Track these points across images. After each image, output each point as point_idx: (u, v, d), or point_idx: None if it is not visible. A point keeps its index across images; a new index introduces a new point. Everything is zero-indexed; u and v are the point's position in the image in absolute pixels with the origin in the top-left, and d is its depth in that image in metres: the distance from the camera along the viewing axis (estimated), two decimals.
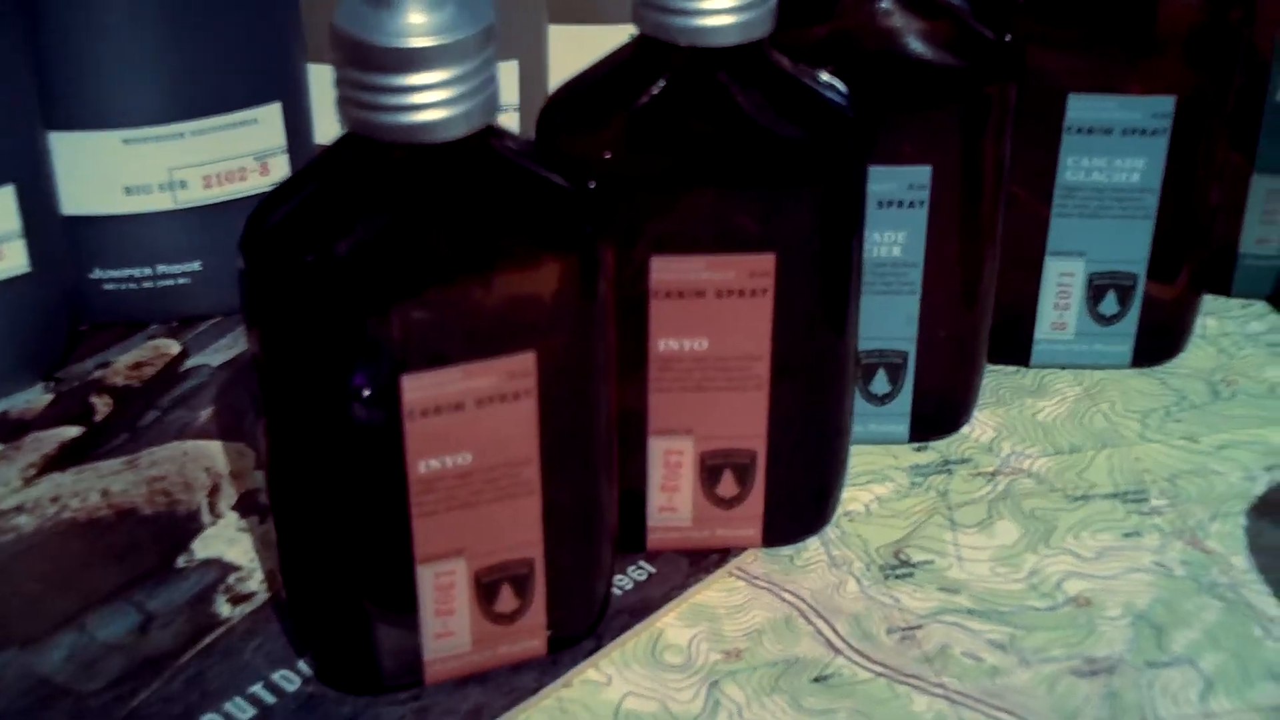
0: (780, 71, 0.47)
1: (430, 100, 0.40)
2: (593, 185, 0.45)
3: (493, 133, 0.43)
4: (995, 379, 0.61)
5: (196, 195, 0.62)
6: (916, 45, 0.52)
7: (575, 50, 0.61)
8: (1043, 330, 0.61)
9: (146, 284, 0.64)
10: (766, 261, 0.47)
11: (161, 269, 0.64)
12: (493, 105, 0.42)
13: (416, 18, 0.40)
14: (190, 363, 0.62)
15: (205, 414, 0.59)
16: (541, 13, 0.65)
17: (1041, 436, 0.58)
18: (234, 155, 0.63)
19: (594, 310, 0.45)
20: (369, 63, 0.40)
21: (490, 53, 0.41)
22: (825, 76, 0.49)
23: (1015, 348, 0.62)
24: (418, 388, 0.43)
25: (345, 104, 0.41)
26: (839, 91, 0.49)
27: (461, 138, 0.41)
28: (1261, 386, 0.61)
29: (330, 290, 0.42)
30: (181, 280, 0.64)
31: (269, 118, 0.63)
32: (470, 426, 0.44)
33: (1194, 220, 0.59)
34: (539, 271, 0.44)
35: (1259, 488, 0.56)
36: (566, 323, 0.44)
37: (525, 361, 0.44)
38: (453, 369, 0.43)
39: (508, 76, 0.64)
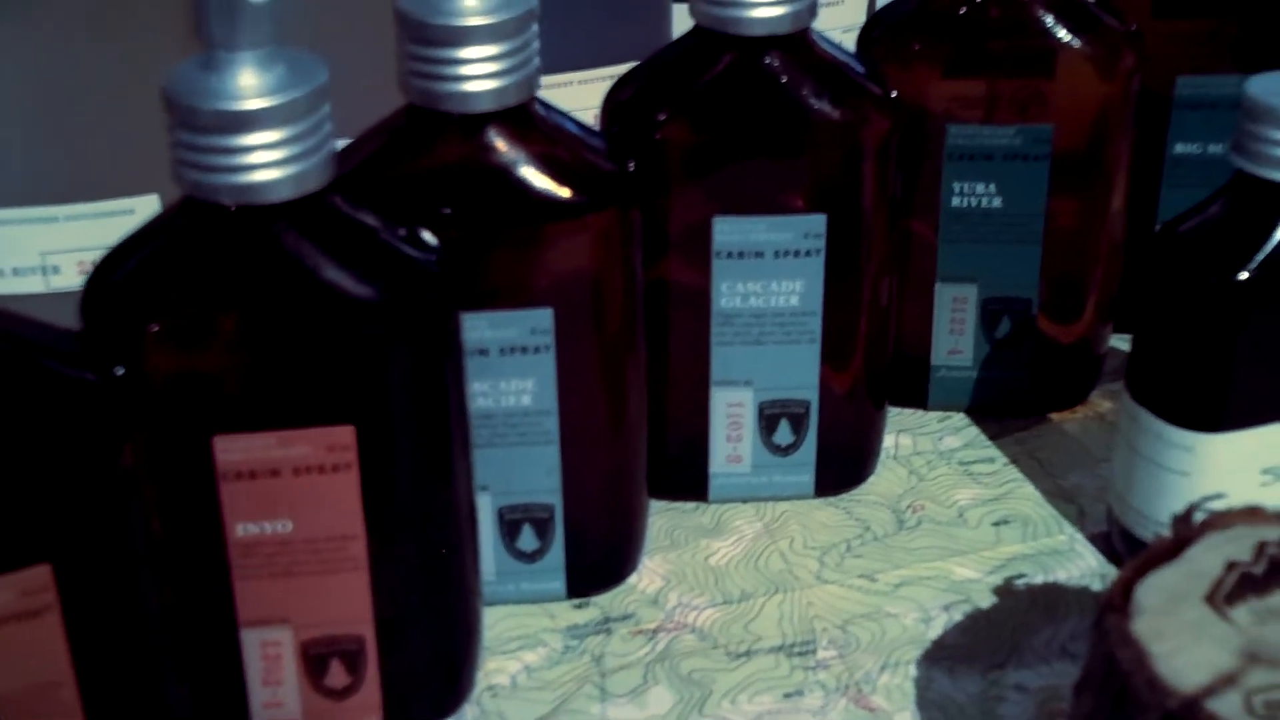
0: (351, 224, 0.43)
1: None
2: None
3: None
4: (672, 518, 0.57)
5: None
6: (528, 174, 0.48)
7: None
8: (718, 464, 0.57)
9: None
10: (344, 434, 0.43)
11: None
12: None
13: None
14: None
15: None
16: None
17: (712, 584, 0.54)
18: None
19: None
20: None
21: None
22: (409, 229, 0.45)
23: (692, 483, 0.58)
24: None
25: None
26: (424, 244, 0.44)
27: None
28: (950, 512, 0.57)
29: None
30: None
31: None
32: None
33: (861, 338, 0.56)
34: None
35: (934, 630, 0.52)
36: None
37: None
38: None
39: None
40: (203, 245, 0.42)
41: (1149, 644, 0.39)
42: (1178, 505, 0.51)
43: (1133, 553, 0.50)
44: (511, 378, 0.49)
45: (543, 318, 0.49)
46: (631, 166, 0.50)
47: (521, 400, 0.50)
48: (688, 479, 0.57)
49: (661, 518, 0.57)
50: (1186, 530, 0.43)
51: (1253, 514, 0.43)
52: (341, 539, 0.44)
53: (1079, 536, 0.56)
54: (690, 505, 0.58)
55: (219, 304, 0.42)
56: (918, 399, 0.63)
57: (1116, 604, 0.40)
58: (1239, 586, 0.41)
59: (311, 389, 0.43)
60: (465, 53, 0.46)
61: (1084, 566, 0.55)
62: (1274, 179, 0.48)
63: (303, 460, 0.43)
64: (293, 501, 0.44)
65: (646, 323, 0.54)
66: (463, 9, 0.46)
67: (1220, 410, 0.50)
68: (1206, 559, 0.42)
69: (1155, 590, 0.41)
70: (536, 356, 0.49)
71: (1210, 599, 0.40)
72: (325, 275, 0.42)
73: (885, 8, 0.60)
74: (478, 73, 0.46)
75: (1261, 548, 0.42)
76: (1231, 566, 0.41)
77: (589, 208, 0.48)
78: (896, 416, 0.62)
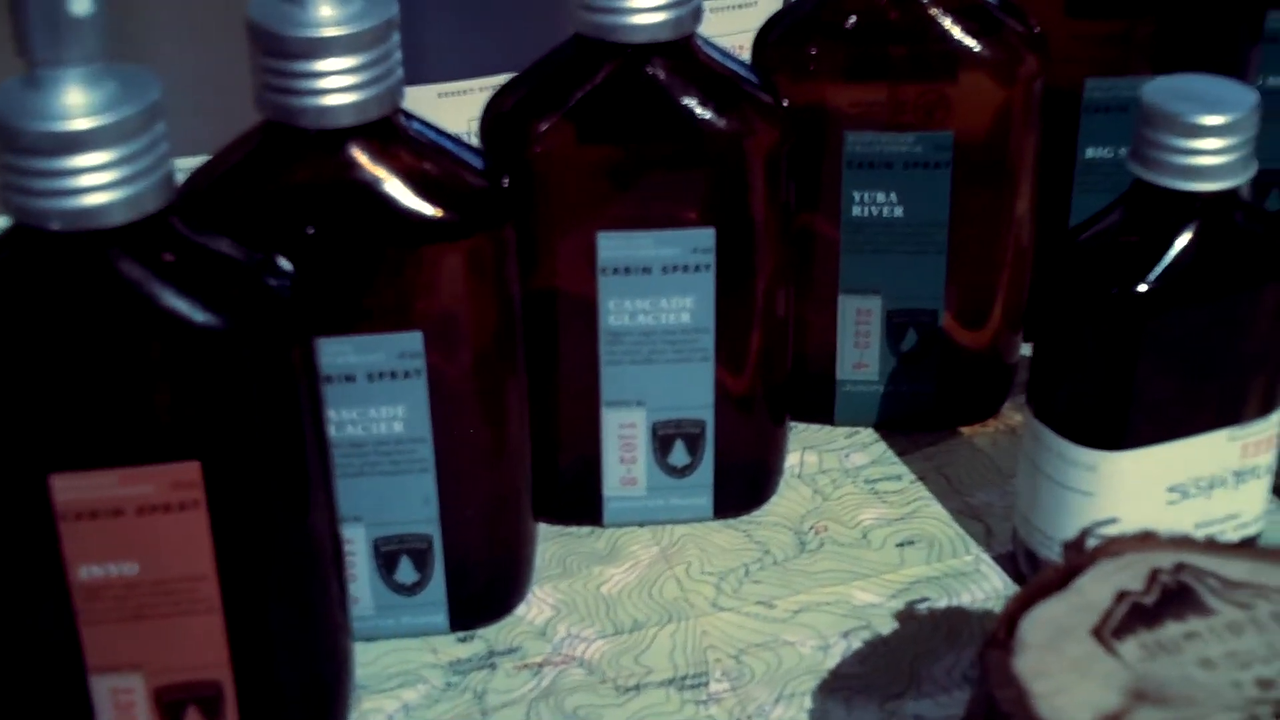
0: (195, 248, 0.41)
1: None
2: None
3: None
4: (565, 544, 0.55)
5: None
6: (394, 192, 0.46)
7: None
8: (612, 487, 0.55)
9: None
10: (190, 470, 0.41)
11: None
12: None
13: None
14: None
15: None
16: None
17: (603, 613, 0.52)
18: None
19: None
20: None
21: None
22: (262, 253, 0.42)
23: (586, 507, 0.56)
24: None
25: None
26: (277, 269, 0.42)
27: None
28: (853, 533, 0.55)
29: None
30: None
31: None
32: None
33: (757, 353, 0.54)
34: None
35: (832, 659, 0.50)
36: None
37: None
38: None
39: None
40: (33, 273, 0.40)
41: (1031, 682, 0.37)
42: (1081, 525, 0.49)
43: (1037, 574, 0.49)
44: (381, 404, 0.47)
45: (412, 341, 0.46)
46: (505, 182, 0.48)
47: (393, 427, 0.48)
48: (581, 503, 0.55)
49: (554, 544, 0.55)
50: (1077, 558, 0.41)
51: (1146, 539, 0.41)
52: (191, 580, 0.42)
53: (985, 557, 0.54)
54: (585, 530, 0.56)
55: (50, 334, 0.39)
56: (824, 414, 0.60)
57: (999, 639, 0.38)
58: (1129, 618, 0.39)
59: (153, 423, 0.40)
60: (322, 65, 0.44)
61: (989, 589, 0.53)
62: (1172, 187, 0.46)
63: (146, 499, 0.41)
64: (138, 542, 0.41)
65: (533, 341, 0.52)
66: (318, 19, 0.44)
67: (1122, 427, 0.48)
68: (1096, 589, 0.40)
69: (1040, 624, 0.39)
70: (407, 382, 0.47)
71: (1098, 633, 0.38)
72: (164, 303, 0.39)
73: (783, 10, 0.58)
74: (336, 86, 0.44)
75: (1154, 576, 0.40)
76: (1122, 597, 0.39)
77: (459, 227, 0.46)
78: (803, 433, 0.60)
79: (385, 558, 0.49)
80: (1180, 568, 0.40)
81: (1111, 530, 0.45)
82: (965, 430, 0.60)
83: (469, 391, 0.48)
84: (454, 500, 0.49)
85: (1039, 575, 0.41)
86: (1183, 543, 0.41)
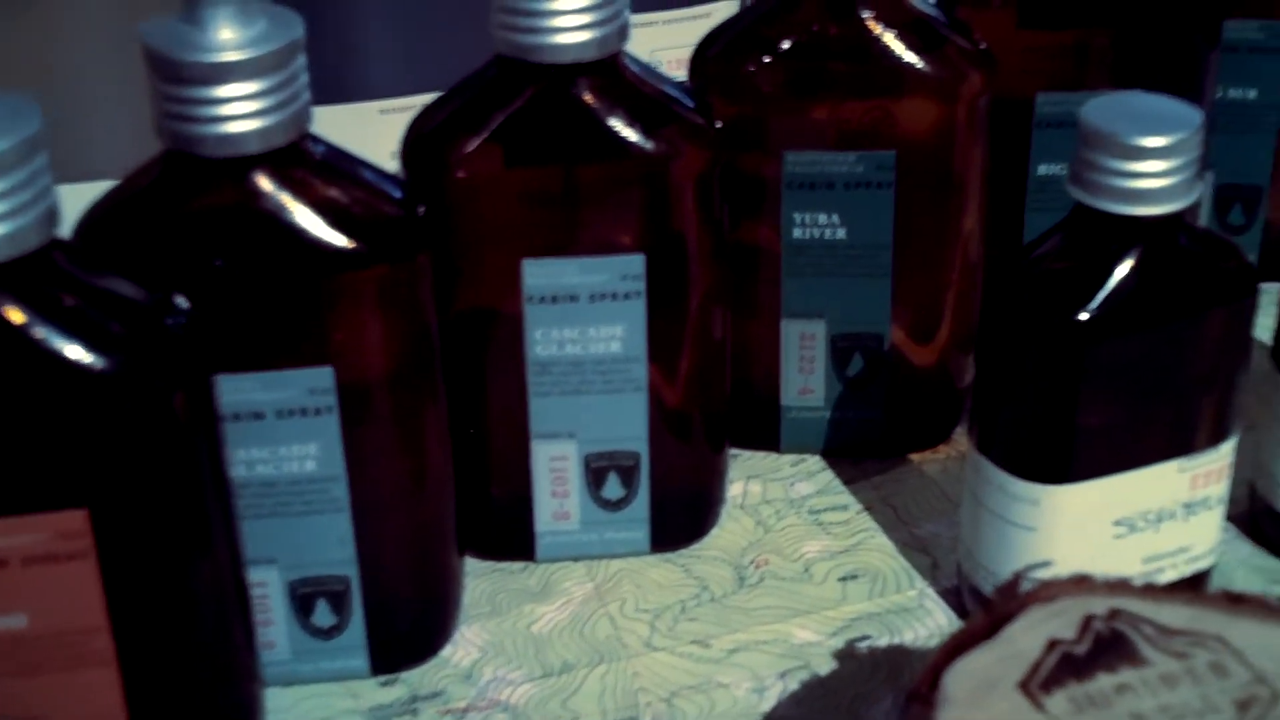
0: (80, 285, 0.39)
1: None
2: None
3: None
4: (496, 581, 0.53)
5: None
6: (302, 221, 0.44)
7: None
8: (544, 521, 0.53)
9: None
10: (77, 519, 0.39)
11: None
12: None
13: None
14: None
15: None
16: None
17: (532, 655, 0.50)
18: None
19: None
20: None
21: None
22: (159, 289, 0.41)
23: (518, 542, 0.54)
24: None
25: None
26: (172, 306, 0.40)
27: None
28: (795, 566, 0.54)
29: None
30: None
31: None
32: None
33: (692, 381, 0.52)
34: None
35: (767, 702, 0.48)
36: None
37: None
38: None
39: None
40: None
41: None
42: (1025, 562, 0.47)
43: None
44: (292, 442, 0.45)
45: (322, 377, 0.45)
46: (421, 210, 0.46)
47: (305, 466, 0.46)
48: (513, 538, 0.53)
49: (484, 580, 0.53)
50: (1008, 604, 0.39)
51: (1081, 583, 0.40)
52: (83, 632, 0.40)
53: (930, 592, 0.52)
54: (517, 566, 0.54)
55: None
56: (770, 442, 0.59)
57: (921, 693, 0.36)
58: (1058, 670, 0.37)
59: (37, 470, 0.38)
60: (223, 91, 0.42)
61: (933, 626, 0.51)
62: (1114, 211, 0.45)
63: (32, 549, 0.39)
64: (24, 594, 0.39)
65: (460, 372, 0.50)
66: (217, 43, 0.42)
67: (1065, 460, 0.46)
68: (1026, 638, 0.38)
69: (966, 676, 0.37)
70: (318, 419, 0.45)
71: (1025, 686, 0.37)
72: (46, 344, 0.37)
73: (722, 25, 0.56)
74: (239, 112, 0.42)
75: (1087, 623, 0.38)
76: (1052, 646, 0.38)
77: (369, 256, 0.44)
78: (748, 461, 0.58)
79: (301, 600, 0.47)
80: (1115, 614, 0.38)
81: (1048, 573, 0.43)
82: (915, 457, 0.58)
83: (385, 427, 0.46)
84: (373, 539, 0.47)
85: (967, 623, 0.39)
86: (1119, 587, 0.39)
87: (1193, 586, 0.49)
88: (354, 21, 0.64)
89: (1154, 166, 0.44)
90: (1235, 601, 0.39)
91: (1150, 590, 0.39)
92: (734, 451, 0.58)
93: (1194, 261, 0.46)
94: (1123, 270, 0.45)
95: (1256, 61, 0.64)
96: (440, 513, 0.49)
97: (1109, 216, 0.45)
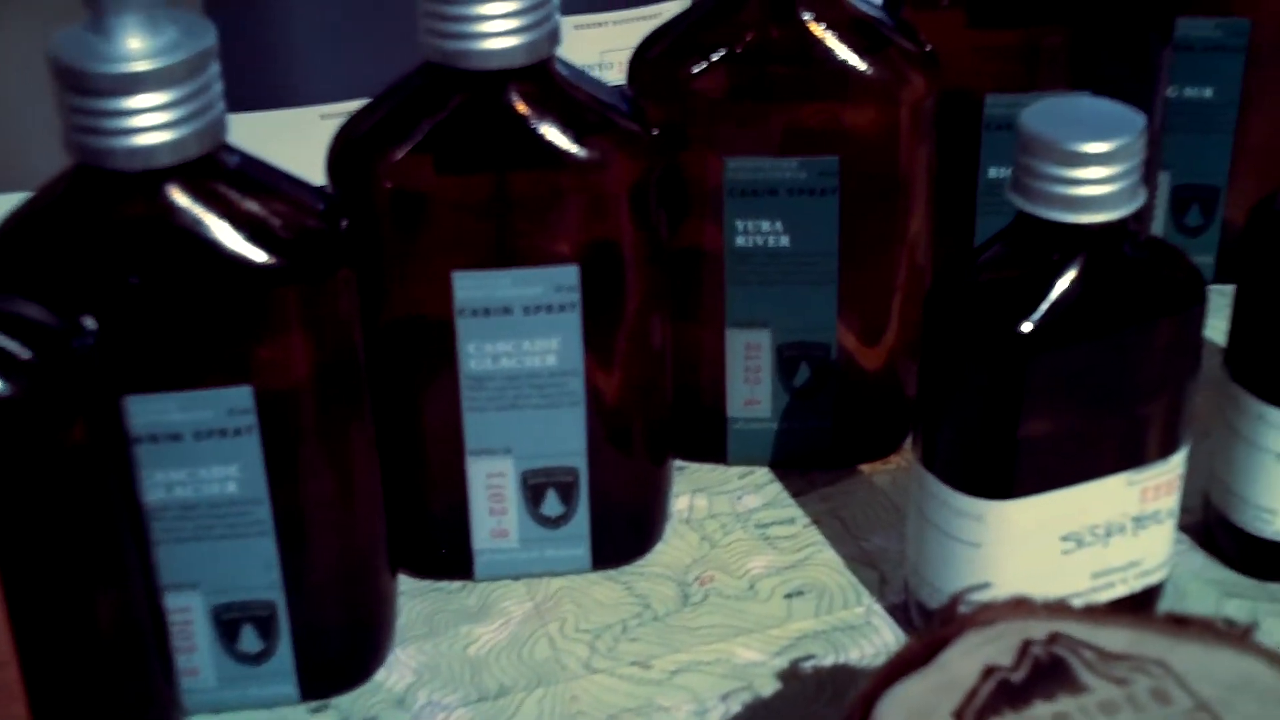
0: None
1: None
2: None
3: None
4: (434, 601, 0.52)
5: None
6: (220, 236, 0.42)
7: None
8: (482, 539, 0.52)
9: None
10: None
11: None
12: None
13: None
14: None
15: None
16: None
17: (468, 678, 0.49)
18: None
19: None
20: None
21: None
22: (64, 311, 0.39)
23: (456, 561, 0.52)
24: None
25: None
26: (78, 328, 0.39)
27: None
28: (740, 583, 0.52)
29: None
30: None
31: None
32: None
33: (631, 394, 0.51)
34: None
35: None
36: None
37: None
38: None
39: None
40: None
41: None
42: (971, 578, 0.46)
43: None
44: (212, 464, 0.44)
45: (241, 397, 0.43)
46: (344, 224, 0.44)
47: (226, 488, 0.44)
48: (451, 557, 0.52)
49: (422, 600, 0.52)
50: (944, 628, 0.38)
51: (1020, 606, 0.38)
52: None
53: (877, 608, 0.51)
54: (456, 585, 0.52)
55: None
56: (717, 454, 0.57)
57: None
58: (994, 698, 0.36)
59: None
60: (133, 102, 0.40)
61: (879, 643, 0.49)
62: (1055, 219, 0.43)
63: None
64: None
65: (393, 387, 0.49)
66: (125, 53, 0.40)
67: (1009, 475, 0.45)
68: (962, 664, 0.37)
69: (899, 705, 0.36)
70: (238, 439, 0.44)
71: (959, 715, 0.35)
72: None
73: (662, 27, 0.55)
74: (149, 124, 0.41)
75: (1025, 648, 0.37)
76: (989, 673, 0.36)
77: (291, 273, 0.43)
78: (695, 473, 0.57)
79: (226, 626, 0.46)
80: (1054, 638, 0.37)
81: (989, 594, 0.41)
82: (866, 468, 0.57)
83: (309, 446, 0.45)
84: (299, 562, 0.46)
85: (902, 648, 0.38)
86: (1059, 609, 0.38)
87: (1142, 603, 0.48)
88: (295, 27, 0.63)
89: (1096, 173, 0.43)
90: (1179, 624, 0.38)
91: (1091, 612, 0.38)
92: (681, 464, 0.57)
93: (1139, 270, 0.44)
94: (1066, 279, 0.44)
95: (1212, 60, 0.63)
96: (370, 533, 0.47)
97: (1051, 224, 0.43)
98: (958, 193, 0.59)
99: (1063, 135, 0.42)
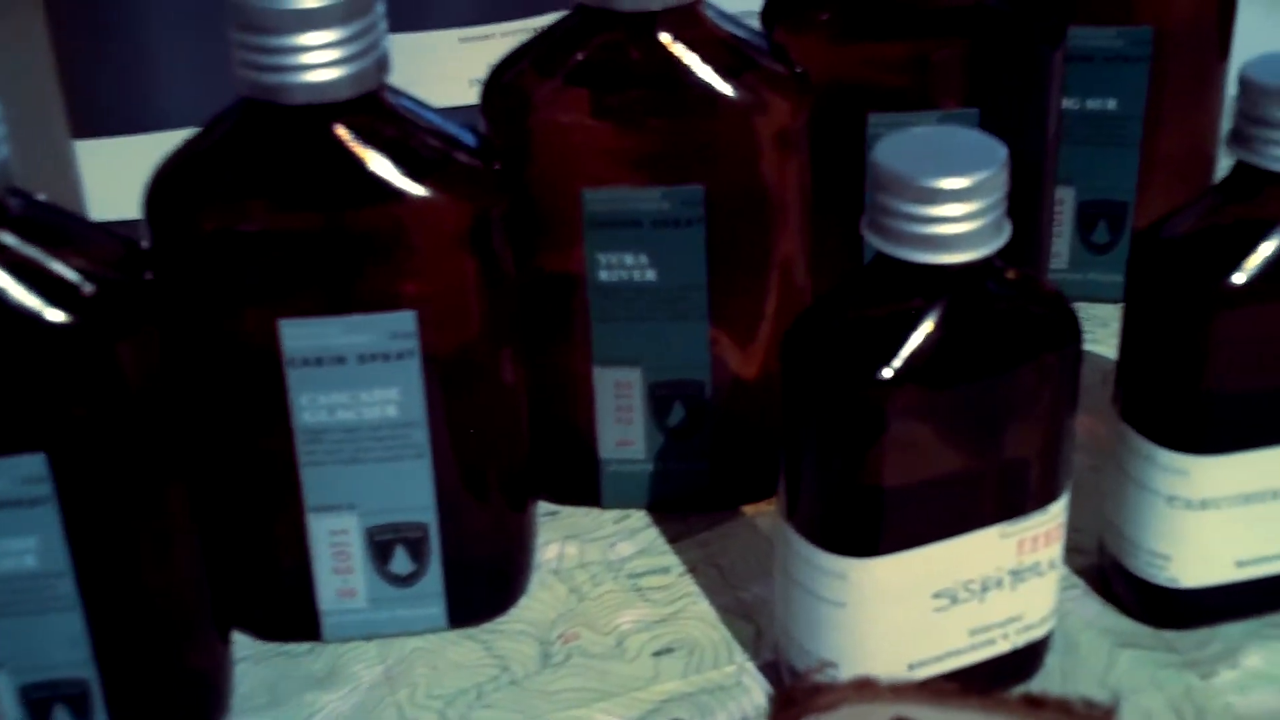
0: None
1: None
2: None
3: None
4: (279, 666, 0.48)
5: None
6: (11, 292, 0.39)
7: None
8: (328, 600, 0.49)
9: None
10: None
11: None
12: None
13: None
14: None
15: None
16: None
17: None
18: None
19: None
20: None
21: None
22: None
23: (303, 623, 0.49)
24: None
25: None
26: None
27: None
28: (607, 640, 0.49)
29: None
30: None
31: None
32: None
33: (482, 440, 0.48)
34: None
35: None
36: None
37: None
38: None
39: None
40: None
41: None
42: (838, 639, 0.43)
43: None
44: (10, 537, 0.41)
45: (34, 464, 0.40)
46: (149, 275, 0.41)
47: (23, 562, 0.41)
48: (299, 618, 0.49)
49: (266, 666, 0.48)
50: (785, 713, 0.35)
51: (863, 688, 0.35)
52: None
53: (749, 666, 0.48)
54: (304, 648, 0.49)
55: None
56: (591, 497, 0.54)
57: None
58: None
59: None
60: (305, 39, 0.41)
61: (748, 705, 0.46)
62: (913, 260, 0.40)
63: None
64: None
65: (232, 442, 0.46)
66: None
67: (874, 531, 0.42)
68: None
69: None
70: (34, 510, 0.40)
71: None
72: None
73: (517, 50, 0.51)
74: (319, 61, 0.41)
75: None
76: None
77: (89, 329, 0.39)
78: (568, 518, 0.54)
79: (35, 707, 0.43)
80: None
81: (856, 657, 0.38)
82: (748, 510, 0.54)
83: (115, 513, 0.41)
84: (111, 637, 0.43)
85: None
86: (904, 691, 0.35)
87: (1026, 659, 0.45)
88: None
89: (955, 210, 0.39)
90: (1034, 705, 0.35)
91: (939, 693, 0.35)
92: (554, 509, 0.54)
93: (1005, 311, 0.41)
94: (928, 322, 0.41)
95: (1115, 70, 0.60)
96: (188, 596, 0.44)
97: (909, 265, 0.40)
98: (847, 215, 0.56)
99: (918, 171, 0.39)
